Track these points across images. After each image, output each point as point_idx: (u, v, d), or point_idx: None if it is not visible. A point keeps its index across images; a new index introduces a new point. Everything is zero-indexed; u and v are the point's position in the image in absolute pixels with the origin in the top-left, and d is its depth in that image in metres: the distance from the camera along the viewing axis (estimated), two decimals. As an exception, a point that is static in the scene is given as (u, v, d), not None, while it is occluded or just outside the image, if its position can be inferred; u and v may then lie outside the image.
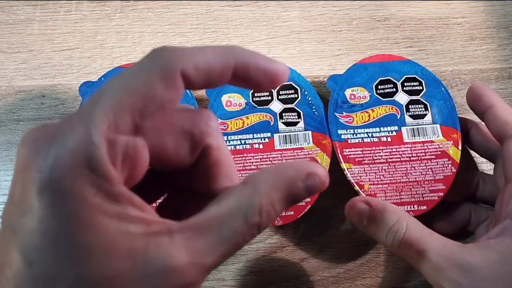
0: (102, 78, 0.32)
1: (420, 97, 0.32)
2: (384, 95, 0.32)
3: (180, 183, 0.19)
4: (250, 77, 0.17)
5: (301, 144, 0.31)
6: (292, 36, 0.38)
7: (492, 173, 0.30)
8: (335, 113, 0.31)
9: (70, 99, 0.35)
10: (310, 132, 0.31)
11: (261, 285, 0.31)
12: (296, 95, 0.32)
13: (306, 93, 0.32)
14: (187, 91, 0.32)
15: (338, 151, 0.30)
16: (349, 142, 0.31)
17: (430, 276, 0.23)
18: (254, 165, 0.30)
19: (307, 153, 0.30)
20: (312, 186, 0.17)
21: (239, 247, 0.16)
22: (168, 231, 0.15)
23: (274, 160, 0.30)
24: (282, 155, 0.30)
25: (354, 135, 0.31)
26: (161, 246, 0.15)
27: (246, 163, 0.30)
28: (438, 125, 0.31)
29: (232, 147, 0.31)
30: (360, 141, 0.31)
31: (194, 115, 0.18)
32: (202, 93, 0.34)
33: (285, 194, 0.17)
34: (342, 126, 0.31)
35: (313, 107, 0.32)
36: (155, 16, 0.38)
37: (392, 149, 0.30)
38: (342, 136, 0.31)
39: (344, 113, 0.31)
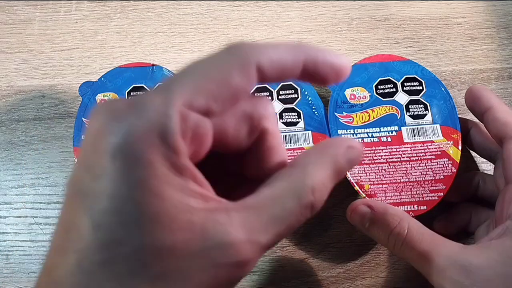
0: (102, 78, 0.32)
1: (420, 97, 0.32)
2: (384, 95, 0.32)
3: (234, 167, 0.20)
4: (318, 72, 0.18)
5: (301, 144, 0.31)
6: (292, 36, 0.38)
7: (492, 173, 0.30)
8: (335, 113, 0.31)
9: (70, 99, 0.35)
10: (310, 132, 0.31)
11: (261, 285, 0.31)
12: (296, 95, 0.32)
13: (306, 93, 0.32)
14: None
15: None
16: None
17: (432, 277, 0.23)
18: (254, 165, 0.30)
19: (307, 153, 0.30)
20: (352, 158, 0.19)
21: (292, 228, 0.17)
22: (225, 209, 0.16)
23: (274, 160, 0.30)
24: (282, 155, 0.30)
25: (354, 135, 0.31)
26: (219, 222, 0.15)
27: (246, 163, 0.30)
28: (438, 125, 0.31)
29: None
30: (360, 141, 0.31)
31: (254, 99, 0.18)
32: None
33: (332, 170, 0.18)
34: (342, 126, 0.31)
35: (313, 107, 0.32)
36: (155, 16, 0.38)
37: (392, 149, 0.30)
38: (342, 136, 0.31)
39: (344, 113, 0.31)
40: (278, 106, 0.32)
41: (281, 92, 0.32)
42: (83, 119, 0.31)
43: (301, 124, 0.31)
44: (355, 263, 0.31)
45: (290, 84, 0.32)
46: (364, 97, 0.32)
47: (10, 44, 0.37)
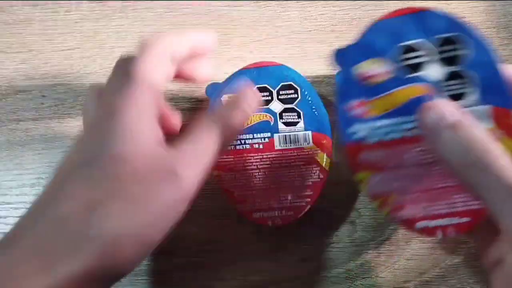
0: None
1: (462, 67, 0.22)
2: (412, 67, 0.23)
3: None
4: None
5: (301, 144, 0.31)
6: (292, 36, 0.38)
7: None
8: (342, 104, 0.24)
9: (70, 99, 0.35)
10: (310, 132, 0.31)
11: (261, 285, 0.31)
12: (296, 95, 0.32)
13: (306, 93, 0.32)
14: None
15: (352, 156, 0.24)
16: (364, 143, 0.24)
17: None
18: (254, 165, 0.30)
19: (307, 153, 0.30)
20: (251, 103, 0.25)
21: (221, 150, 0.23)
22: (173, 150, 0.22)
23: (274, 160, 0.30)
24: (282, 155, 0.30)
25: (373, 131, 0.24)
26: (169, 159, 0.21)
27: (246, 163, 0.30)
28: (489, 107, 0.21)
29: (232, 147, 0.31)
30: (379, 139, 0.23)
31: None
32: (202, 93, 0.34)
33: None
34: (353, 121, 0.24)
35: (313, 107, 0.32)
36: (155, 16, 0.38)
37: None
38: (355, 136, 0.24)
39: (357, 101, 0.24)
40: (278, 106, 0.32)
41: (281, 92, 0.32)
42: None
43: (301, 124, 0.31)
44: (355, 263, 0.31)
45: (290, 84, 0.32)
46: (383, 74, 0.23)
47: (10, 44, 0.37)
